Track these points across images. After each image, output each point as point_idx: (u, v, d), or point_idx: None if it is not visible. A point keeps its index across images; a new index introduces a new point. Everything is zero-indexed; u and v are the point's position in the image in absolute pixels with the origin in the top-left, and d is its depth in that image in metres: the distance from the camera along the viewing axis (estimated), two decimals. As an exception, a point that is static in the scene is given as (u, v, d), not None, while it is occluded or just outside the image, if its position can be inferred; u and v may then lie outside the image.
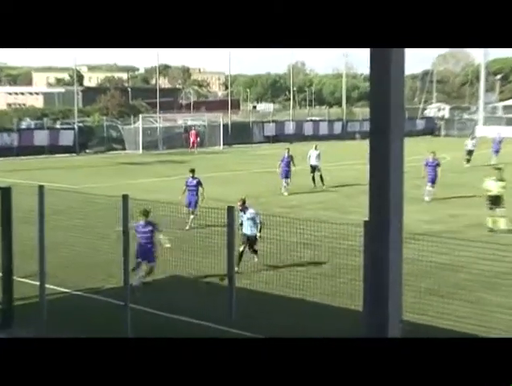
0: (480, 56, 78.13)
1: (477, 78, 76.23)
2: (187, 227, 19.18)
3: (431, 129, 69.59)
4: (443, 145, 44.30)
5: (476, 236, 16.86)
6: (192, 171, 21.16)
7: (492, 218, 19.51)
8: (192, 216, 19.68)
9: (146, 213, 13.73)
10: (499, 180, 19.95)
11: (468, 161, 37.93)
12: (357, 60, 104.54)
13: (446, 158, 37.53)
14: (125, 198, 10.23)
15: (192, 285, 13.92)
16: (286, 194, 26.97)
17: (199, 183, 20.58)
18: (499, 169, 21.07)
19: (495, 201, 19.56)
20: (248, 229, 15.31)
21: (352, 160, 37.73)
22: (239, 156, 45.85)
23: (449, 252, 12.52)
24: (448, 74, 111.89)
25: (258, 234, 15.29)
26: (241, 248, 15.03)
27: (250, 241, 15.40)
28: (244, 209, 15.38)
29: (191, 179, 20.76)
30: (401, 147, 3.00)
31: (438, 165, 25.76)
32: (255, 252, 15.57)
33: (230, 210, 11.41)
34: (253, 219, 15.30)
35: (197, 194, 20.32)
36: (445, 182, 26.48)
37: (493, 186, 19.83)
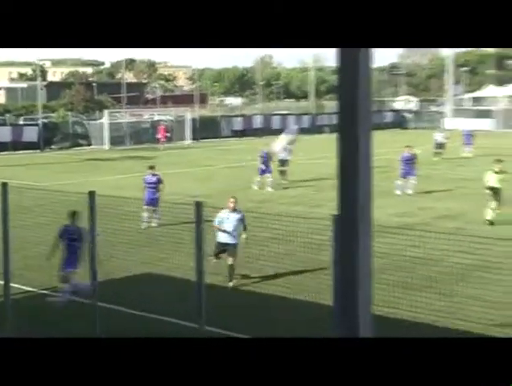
0: (446, 49, 78.43)
1: (444, 70, 76.48)
2: (155, 224, 19.05)
3: (399, 121, 69.64)
4: (412, 137, 44.24)
5: (444, 228, 17.65)
6: (152, 168, 20.38)
7: (492, 210, 19.54)
8: (154, 215, 19.30)
9: (72, 215, 12.56)
10: (499, 173, 19.93)
11: (438, 154, 37.51)
12: (323, 53, 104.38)
13: (416, 152, 37.44)
14: (91, 194, 10.26)
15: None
16: (270, 189, 26.68)
17: (159, 181, 19.84)
18: (499, 161, 20.64)
19: (497, 194, 19.59)
20: (230, 234, 13.60)
21: (321, 153, 37.47)
22: (208, 151, 45.46)
23: (420, 245, 13.06)
24: (415, 66, 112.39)
25: (244, 235, 13.87)
26: (214, 260, 13.47)
27: (229, 252, 13.52)
28: (235, 209, 13.89)
29: (150, 176, 19.99)
30: (369, 140, 2.97)
31: (414, 159, 25.96)
32: (232, 269, 13.42)
33: (198, 205, 10.84)
34: (242, 220, 13.84)
35: (158, 191, 19.61)
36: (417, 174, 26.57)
37: (492, 179, 19.85)
